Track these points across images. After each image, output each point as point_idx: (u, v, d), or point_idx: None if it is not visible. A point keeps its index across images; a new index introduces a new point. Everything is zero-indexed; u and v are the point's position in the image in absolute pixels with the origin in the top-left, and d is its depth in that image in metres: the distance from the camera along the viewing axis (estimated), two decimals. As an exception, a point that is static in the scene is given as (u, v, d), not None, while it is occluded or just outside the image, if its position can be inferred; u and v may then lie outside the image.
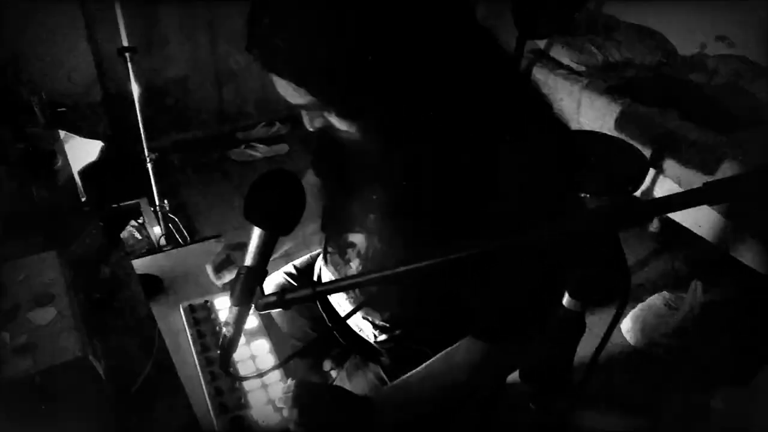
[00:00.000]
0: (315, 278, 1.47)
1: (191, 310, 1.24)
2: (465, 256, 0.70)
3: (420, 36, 0.81)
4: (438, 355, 1.09)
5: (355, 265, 1.19)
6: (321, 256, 1.43)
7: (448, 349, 1.09)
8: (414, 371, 1.08)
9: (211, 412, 1.05)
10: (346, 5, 0.78)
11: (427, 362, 1.09)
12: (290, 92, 0.86)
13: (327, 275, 1.31)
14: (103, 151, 2.34)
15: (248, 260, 0.90)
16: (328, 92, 0.85)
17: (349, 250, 1.19)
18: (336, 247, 1.24)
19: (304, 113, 0.93)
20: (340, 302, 1.29)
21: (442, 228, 0.95)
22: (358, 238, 1.16)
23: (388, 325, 1.21)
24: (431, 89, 0.87)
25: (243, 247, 0.98)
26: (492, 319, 1.04)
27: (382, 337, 1.24)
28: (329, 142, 1.00)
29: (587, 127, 3.00)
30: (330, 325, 1.40)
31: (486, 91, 0.91)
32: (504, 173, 0.91)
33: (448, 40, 0.85)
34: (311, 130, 0.95)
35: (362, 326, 1.26)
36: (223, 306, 1.25)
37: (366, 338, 1.28)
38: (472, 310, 1.05)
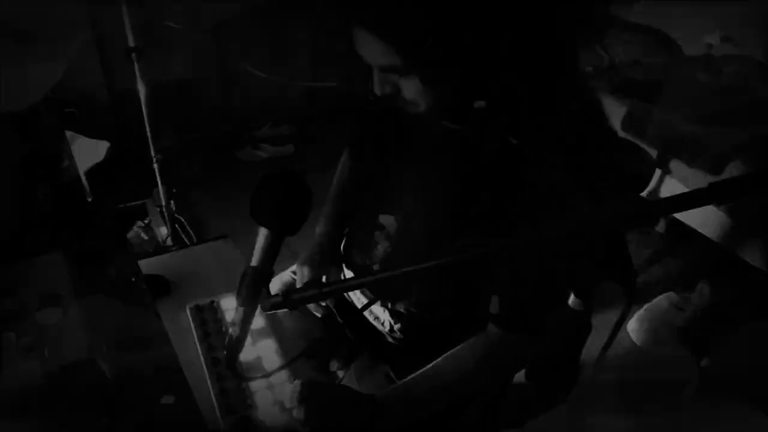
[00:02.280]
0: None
1: (198, 310, 1.24)
2: (480, 254, 0.70)
3: (511, 24, 0.83)
4: (446, 354, 1.09)
5: (383, 248, 1.19)
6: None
7: (456, 348, 1.09)
8: (421, 370, 1.08)
9: (218, 413, 1.05)
10: None
11: (435, 361, 1.09)
12: (377, 50, 0.85)
13: (347, 261, 1.32)
14: (109, 152, 2.35)
15: (254, 260, 0.90)
16: (418, 54, 0.84)
17: (377, 233, 1.19)
18: (362, 231, 1.23)
19: (377, 75, 0.92)
20: (357, 292, 1.29)
21: (477, 216, 0.95)
22: (388, 221, 1.16)
23: (405, 312, 1.21)
24: (508, 77, 0.87)
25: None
26: (503, 316, 1.04)
27: (398, 325, 1.23)
28: (379, 120, 0.98)
29: (593, 128, 2.99)
30: (341, 320, 1.40)
31: (556, 89, 0.92)
32: (553, 173, 0.91)
33: (536, 34, 0.86)
34: (378, 94, 0.94)
35: (378, 314, 1.26)
36: (230, 306, 1.25)
37: (381, 328, 1.28)
38: (485, 303, 1.05)
